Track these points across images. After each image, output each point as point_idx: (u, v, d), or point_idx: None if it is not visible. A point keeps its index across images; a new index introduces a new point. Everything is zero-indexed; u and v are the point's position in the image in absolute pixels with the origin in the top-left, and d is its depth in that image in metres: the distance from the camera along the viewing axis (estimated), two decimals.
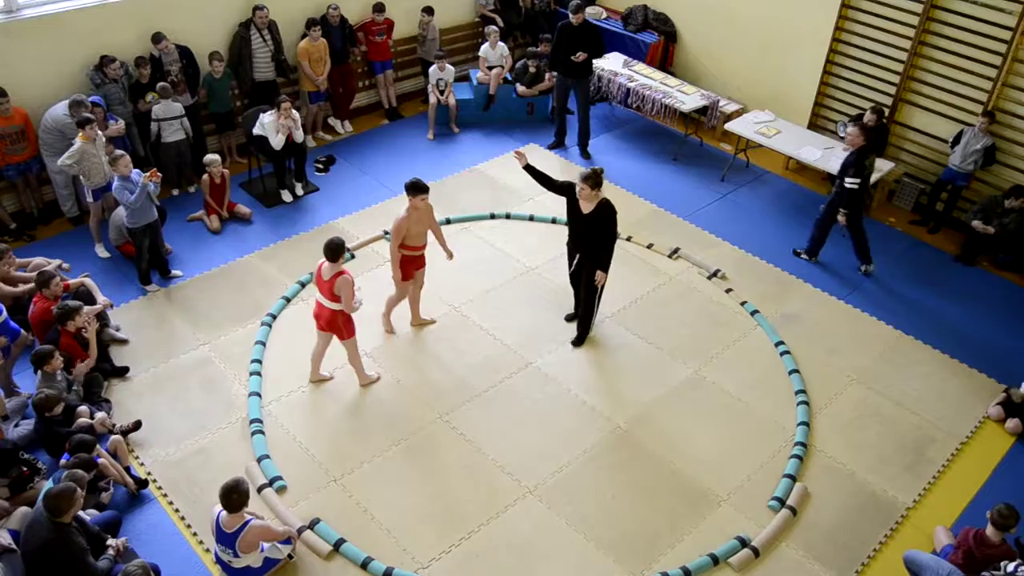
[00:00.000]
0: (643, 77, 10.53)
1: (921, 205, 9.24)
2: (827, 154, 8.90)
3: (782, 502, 5.81)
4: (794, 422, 6.48)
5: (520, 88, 10.52)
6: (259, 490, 5.63)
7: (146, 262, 7.39)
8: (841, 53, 9.59)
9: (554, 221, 8.66)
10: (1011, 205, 8.07)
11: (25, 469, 5.45)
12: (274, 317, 7.24)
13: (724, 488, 5.94)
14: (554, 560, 5.40)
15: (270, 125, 8.32)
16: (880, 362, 7.14)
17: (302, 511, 5.58)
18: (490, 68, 10.45)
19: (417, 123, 10.56)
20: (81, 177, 7.48)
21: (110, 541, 5.05)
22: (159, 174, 7.09)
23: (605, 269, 6.71)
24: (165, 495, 5.70)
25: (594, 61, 9.64)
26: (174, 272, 7.70)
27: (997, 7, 8.20)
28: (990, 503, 5.45)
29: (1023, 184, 8.15)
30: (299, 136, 8.55)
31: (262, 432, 6.13)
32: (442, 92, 10.17)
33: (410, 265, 6.75)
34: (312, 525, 5.45)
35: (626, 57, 10.98)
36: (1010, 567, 4.94)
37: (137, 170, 7.14)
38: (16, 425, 5.93)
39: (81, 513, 4.93)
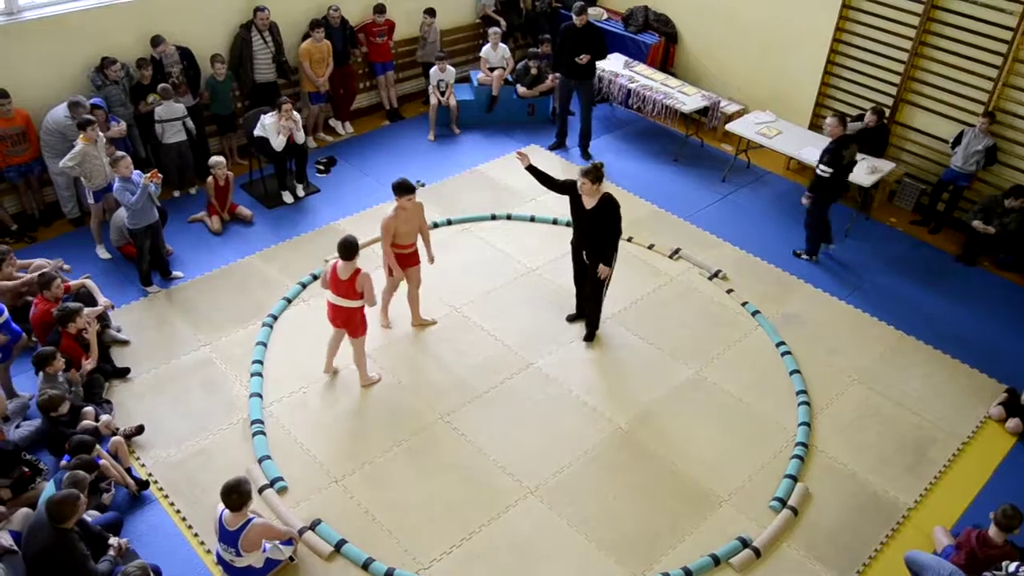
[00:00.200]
0: (644, 78, 10.53)
1: (922, 205, 9.24)
2: None
3: (783, 502, 5.81)
4: (795, 422, 6.48)
5: (521, 89, 10.53)
6: (260, 491, 5.63)
7: (147, 263, 7.39)
8: (842, 53, 9.60)
9: (555, 222, 8.67)
10: (1011, 205, 8.07)
11: (27, 470, 5.46)
12: (275, 318, 7.24)
13: (725, 488, 5.94)
14: (555, 561, 5.40)
15: (271, 126, 8.33)
16: (881, 362, 7.14)
17: (303, 512, 5.58)
18: (491, 69, 10.46)
19: (418, 124, 10.56)
20: (82, 178, 7.49)
21: (112, 540, 5.05)
22: (160, 175, 7.10)
23: (609, 264, 6.72)
24: (166, 496, 5.70)
25: (597, 63, 9.64)
26: (175, 273, 7.70)
27: (998, 7, 8.20)
28: (991, 503, 5.46)
29: (1023, 184, 8.15)
30: (300, 137, 8.56)
31: (263, 433, 6.14)
32: (443, 93, 10.17)
33: (402, 262, 6.79)
34: (313, 526, 5.45)
35: (627, 58, 10.98)
36: (1011, 567, 4.93)
37: (138, 171, 7.15)
38: (17, 427, 5.93)
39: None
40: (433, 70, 10.14)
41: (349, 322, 6.22)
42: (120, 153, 7.08)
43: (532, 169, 6.71)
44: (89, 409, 5.92)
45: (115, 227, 7.69)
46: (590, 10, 11.25)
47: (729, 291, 7.85)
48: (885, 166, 8.80)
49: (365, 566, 5.25)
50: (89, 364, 6.22)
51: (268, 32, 8.97)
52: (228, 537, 4.88)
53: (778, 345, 7.22)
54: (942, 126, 8.95)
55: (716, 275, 8.02)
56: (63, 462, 5.39)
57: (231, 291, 7.55)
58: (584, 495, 5.84)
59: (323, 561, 5.30)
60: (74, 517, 4.64)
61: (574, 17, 9.30)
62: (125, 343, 6.90)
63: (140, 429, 6.07)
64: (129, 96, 8.32)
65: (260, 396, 6.44)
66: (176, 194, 8.81)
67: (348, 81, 9.99)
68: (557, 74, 10.02)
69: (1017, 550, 5.18)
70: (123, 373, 6.60)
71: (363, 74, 10.46)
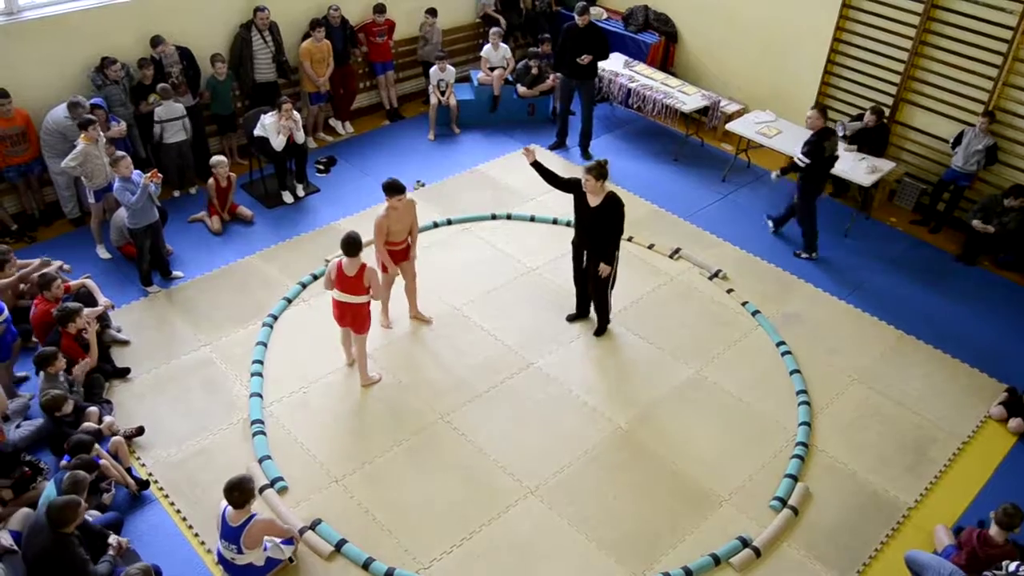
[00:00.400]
0: (644, 77, 10.53)
1: (922, 205, 9.23)
2: None
3: (783, 502, 5.81)
4: (795, 422, 6.48)
5: (521, 89, 10.52)
6: (260, 491, 5.62)
7: (147, 263, 7.39)
8: (842, 53, 9.60)
9: (555, 222, 8.67)
10: (1011, 204, 8.07)
11: (27, 470, 5.46)
12: (275, 318, 7.24)
13: (725, 488, 5.94)
14: (555, 560, 5.40)
15: (271, 126, 8.33)
16: (881, 362, 7.14)
17: (303, 512, 5.58)
18: (492, 69, 10.45)
19: (418, 124, 10.56)
20: (83, 178, 7.49)
21: (111, 539, 5.04)
22: (160, 175, 7.10)
23: (609, 262, 6.72)
24: (166, 496, 5.71)
25: (598, 63, 9.63)
26: (175, 273, 7.70)
27: (998, 7, 8.20)
28: (992, 503, 5.46)
29: (1023, 184, 8.15)
30: (300, 137, 8.56)
31: (263, 433, 6.14)
32: (443, 93, 10.17)
33: (395, 258, 6.84)
34: (314, 526, 5.45)
35: (627, 58, 10.98)
36: (1012, 566, 4.93)
37: (138, 171, 7.15)
38: (18, 426, 5.94)
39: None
40: (433, 70, 10.14)
41: (356, 318, 6.25)
42: (120, 153, 7.09)
43: (537, 165, 6.71)
44: (93, 409, 5.92)
45: (115, 227, 7.69)
46: (591, 9, 11.29)
47: (729, 291, 7.85)
48: (885, 166, 8.79)
49: (365, 566, 5.25)
50: (85, 366, 6.19)
51: (268, 32, 8.97)
52: (230, 534, 4.88)
53: (778, 345, 7.22)
54: (942, 126, 8.94)
55: (716, 275, 8.02)
56: (63, 462, 5.39)
57: (231, 291, 7.55)
58: (584, 495, 5.84)
59: (323, 561, 5.30)
60: (74, 522, 4.64)
61: (576, 17, 9.29)
62: (125, 343, 6.90)
63: (140, 430, 6.06)
64: (130, 96, 8.32)
65: (260, 396, 6.44)
66: (176, 194, 8.81)
67: (348, 81, 9.99)
68: (558, 74, 10.01)
69: (1018, 549, 5.19)
70: (123, 373, 6.60)
71: (363, 74, 10.46)
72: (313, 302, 7.42)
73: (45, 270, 6.81)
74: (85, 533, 4.86)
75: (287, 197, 8.88)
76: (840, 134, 9.23)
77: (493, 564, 5.36)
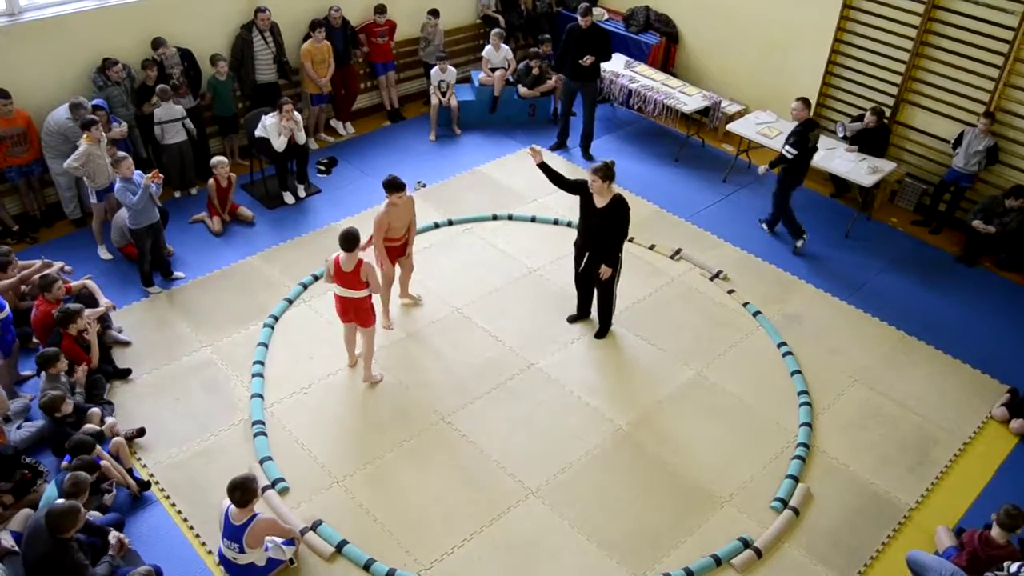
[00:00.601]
0: (645, 78, 10.53)
1: (923, 205, 9.23)
2: (829, 154, 8.87)
3: (784, 503, 5.81)
4: (796, 423, 6.48)
5: (522, 89, 10.53)
6: (262, 492, 5.61)
7: (148, 264, 7.40)
8: (843, 53, 9.59)
9: (556, 223, 8.67)
10: (1011, 205, 8.07)
11: (27, 472, 5.46)
12: (276, 319, 7.24)
13: (726, 489, 5.94)
14: (556, 561, 5.39)
15: (272, 127, 8.33)
16: (882, 363, 7.13)
17: (304, 513, 5.58)
18: (493, 70, 10.46)
19: (419, 125, 10.57)
20: (85, 179, 7.50)
21: (111, 536, 5.03)
22: (161, 175, 7.11)
23: (612, 264, 6.72)
24: (167, 497, 5.71)
25: (601, 64, 9.63)
26: (176, 274, 7.71)
27: (999, 7, 8.20)
28: (993, 504, 5.46)
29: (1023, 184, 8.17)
30: (301, 138, 8.56)
31: (264, 434, 6.14)
32: (444, 94, 10.18)
33: (393, 254, 6.87)
34: (315, 527, 5.45)
35: (628, 58, 10.98)
36: (1013, 567, 4.93)
37: (139, 172, 7.16)
38: (19, 427, 5.94)
39: None
40: (434, 70, 10.15)
41: (359, 312, 6.27)
42: (122, 154, 7.09)
43: (544, 166, 6.69)
44: (95, 411, 5.92)
45: (116, 228, 7.69)
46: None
47: (730, 292, 7.85)
48: (886, 166, 8.79)
49: (366, 567, 5.25)
50: (85, 369, 6.19)
51: (269, 32, 8.98)
52: (233, 532, 4.88)
53: (779, 346, 7.22)
54: (943, 126, 8.94)
55: (717, 276, 8.02)
56: (63, 463, 5.39)
57: (232, 292, 7.55)
58: (585, 496, 5.84)
59: (324, 562, 5.30)
60: (74, 529, 4.64)
61: (579, 18, 9.28)
62: (126, 344, 6.90)
63: (141, 432, 6.06)
64: (133, 97, 8.33)
65: (261, 397, 6.44)
66: (177, 195, 8.82)
67: (349, 81, 9.99)
68: (560, 75, 10.01)
69: (1020, 550, 5.18)
70: (124, 374, 6.60)
71: (364, 74, 10.46)
72: (314, 303, 7.42)
73: (46, 271, 6.81)
74: (85, 528, 4.86)
75: (288, 198, 8.88)
76: (840, 135, 9.25)
77: (494, 565, 5.35)
